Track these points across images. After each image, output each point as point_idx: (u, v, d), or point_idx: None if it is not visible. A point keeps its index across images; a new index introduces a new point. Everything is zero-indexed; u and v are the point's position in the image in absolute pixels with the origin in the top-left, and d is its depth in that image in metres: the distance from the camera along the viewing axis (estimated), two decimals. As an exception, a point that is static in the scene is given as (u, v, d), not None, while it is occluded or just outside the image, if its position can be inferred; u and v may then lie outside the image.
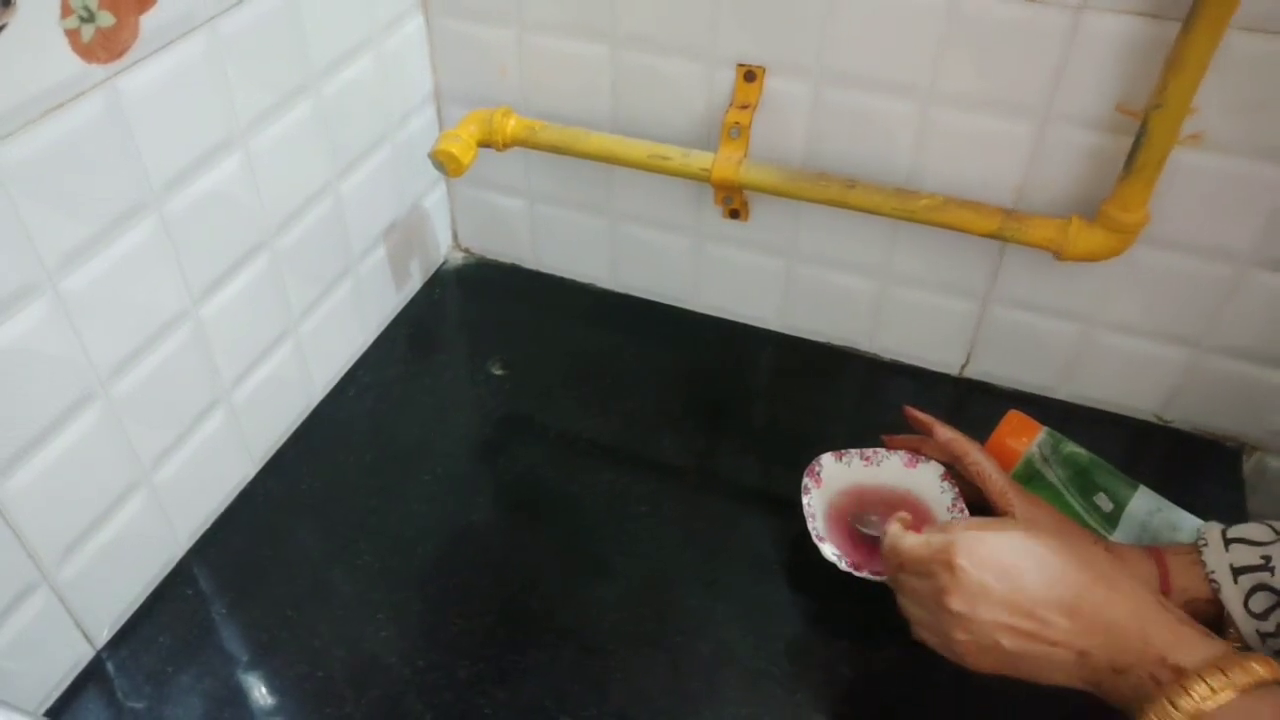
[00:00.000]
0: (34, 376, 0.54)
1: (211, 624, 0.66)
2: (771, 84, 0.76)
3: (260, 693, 0.62)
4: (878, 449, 0.72)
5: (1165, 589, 0.61)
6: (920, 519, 0.69)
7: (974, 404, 0.85)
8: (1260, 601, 0.58)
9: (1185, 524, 0.68)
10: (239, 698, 0.62)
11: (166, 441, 0.66)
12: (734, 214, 0.84)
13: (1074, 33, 0.66)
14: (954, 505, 0.69)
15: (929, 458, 0.71)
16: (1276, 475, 0.80)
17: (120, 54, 0.54)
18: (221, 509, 0.74)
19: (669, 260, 0.91)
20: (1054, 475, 0.72)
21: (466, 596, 0.68)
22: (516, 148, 0.83)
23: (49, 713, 0.61)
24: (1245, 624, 0.58)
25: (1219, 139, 0.66)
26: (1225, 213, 0.69)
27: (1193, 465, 0.79)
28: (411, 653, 0.64)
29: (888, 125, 0.74)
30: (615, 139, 0.80)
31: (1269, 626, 0.57)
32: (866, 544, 0.68)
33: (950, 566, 0.53)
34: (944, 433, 0.70)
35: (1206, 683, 0.45)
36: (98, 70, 0.53)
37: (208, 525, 0.72)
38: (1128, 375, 0.81)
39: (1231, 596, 0.59)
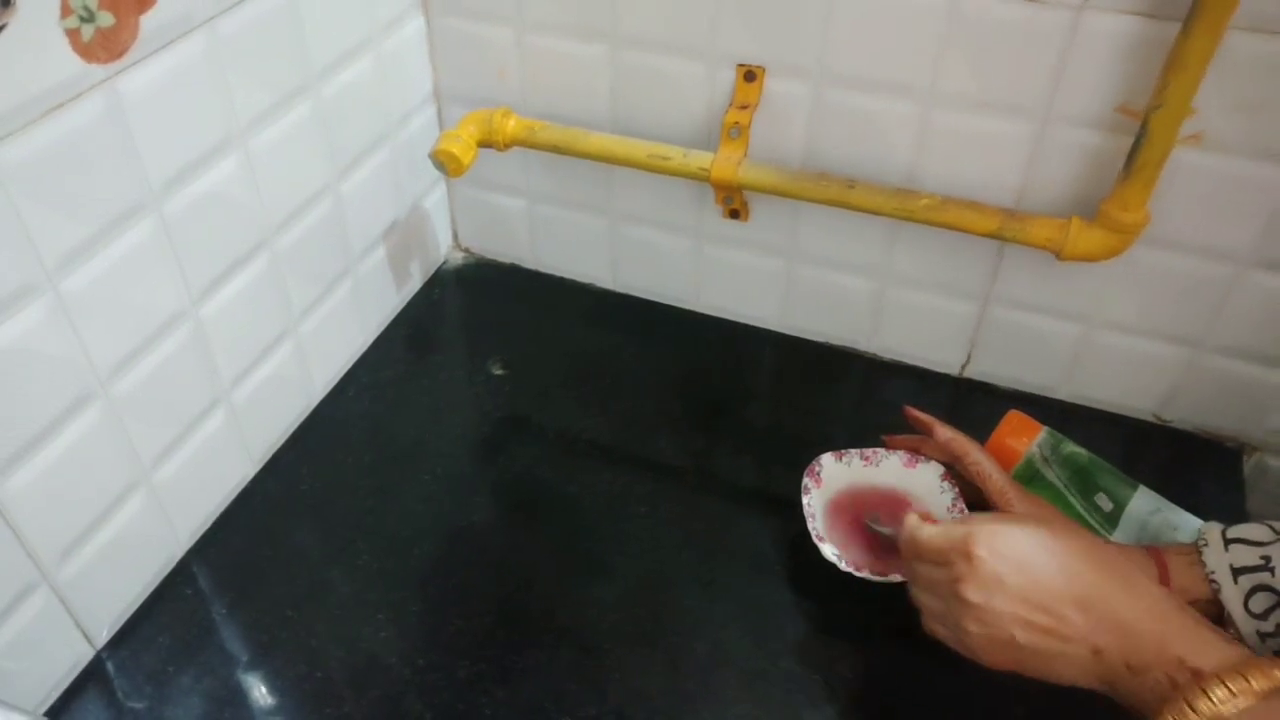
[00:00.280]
0: (34, 376, 0.54)
1: (211, 624, 0.66)
2: (771, 84, 0.76)
3: (260, 693, 0.62)
4: (877, 449, 0.72)
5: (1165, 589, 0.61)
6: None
7: (974, 404, 0.85)
8: (1260, 602, 0.58)
9: (1185, 524, 0.68)
10: (239, 698, 0.62)
11: (166, 441, 0.66)
12: (734, 214, 0.84)
13: (1074, 33, 0.66)
14: (954, 505, 0.68)
15: (929, 458, 0.71)
16: (1276, 475, 0.80)
17: (120, 54, 0.54)
18: (221, 509, 0.74)
19: (669, 260, 0.91)
20: (1054, 475, 0.72)
21: (465, 596, 0.68)
22: (516, 148, 0.83)
23: (49, 713, 0.61)
24: (1245, 624, 0.58)
25: (1219, 139, 0.66)
26: (1225, 213, 0.69)
27: (1192, 465, 0.79)
28: (411, 653, 0.64)
29: (887, 126, 0.74)
30: (615, 139, 0.80)
31: (1269, 627, 0.57)
32: (871, 544, 0.68)
33: (968, 556, 0.52)
34: (944, 432, 0.70)
35: (1226, 686, 0.45)
36: (97, 70, 0.53)
37: (207, 525, 0.72)
38: (1127, 375, 0.80)
39: (1231, 597, 0.59)
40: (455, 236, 1.00)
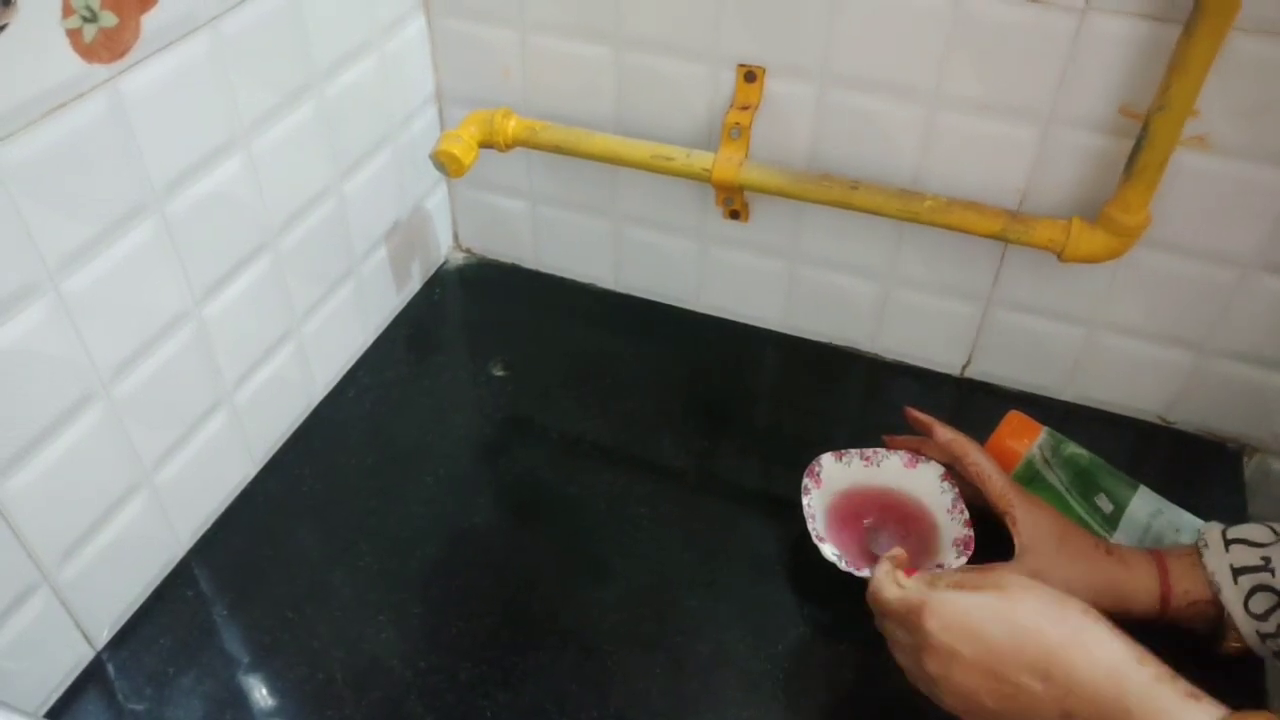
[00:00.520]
0: (35, 377, 0.54)
1: (212, 625, 0.66)
2: (773, 85, 0.76)
3: (260, 694, 0.62)
4: (878, 449, 0.72)
5: (1166, 590, 0.61)
6: (920, 520, 0.70)
7: (975, 405, 0.85)
8: (1260, 602, 0.58)
9: (1187, 524, 0.68)
10: (239, 699, 0.62)
11: (168, 442, 0.66)
12: (734, 215, 0.84)
13: (1078, 35, 0.65)
14: (954, 506, 0.68)
15: (929, 458, 0.71)
16: (1278, 478, 0.80)
17: (122, 54, 0.54)
18: (222, 510, 0.73)
19: (671, 261, 0.91)
20: (1054, 476, 0.72)
21: (467, 598, 0.68)
22: (518, 148, 0.83)
23: (49, 714, 0.61)
24: (1246, 625, 0.58)
25: (1222, 142, 0.66)
26: (1230, 216, 0.69)
27: (1195, 467, 0.79)
28: (412, 654, 0.64)
29: (891, 128, 0.74)
30: (617, 140, 0.80)
31: (1269, 627, 0.57)
32: (875, 558, 0.68)
33: (920, 630, 0.52)
34: (944, 433, 0.70)
35: None
36: (99, 70, 0.53)
37: (208, 526, 0.72)
38: (1131, 377, 0.80)
39: (1232, 598, 0.59)
40: (456, 237, 1.00)
